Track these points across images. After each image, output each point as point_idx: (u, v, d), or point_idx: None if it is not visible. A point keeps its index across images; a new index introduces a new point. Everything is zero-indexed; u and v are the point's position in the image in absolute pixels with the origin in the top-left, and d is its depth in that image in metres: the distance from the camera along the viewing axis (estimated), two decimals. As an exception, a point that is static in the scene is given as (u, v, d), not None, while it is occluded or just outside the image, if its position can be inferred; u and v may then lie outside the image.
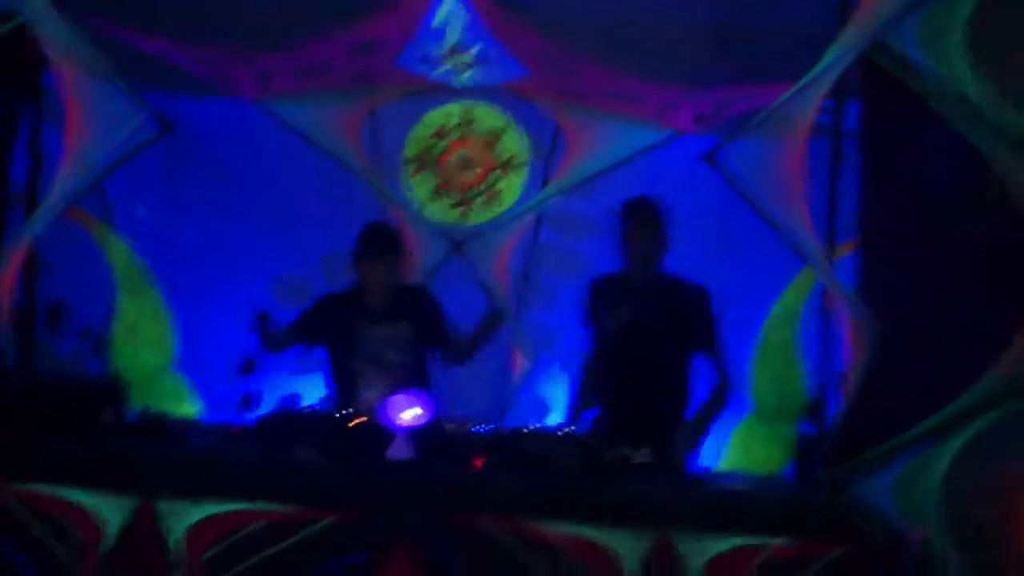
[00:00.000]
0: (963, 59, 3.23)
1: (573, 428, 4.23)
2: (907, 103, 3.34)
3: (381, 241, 4.65)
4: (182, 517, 3.20)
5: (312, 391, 5.70)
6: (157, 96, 5.10)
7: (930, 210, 3.37)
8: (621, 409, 4.37)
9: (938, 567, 3.18)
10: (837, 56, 3.30)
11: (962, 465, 3.16)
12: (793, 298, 5.35)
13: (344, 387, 4.56)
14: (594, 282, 4.63)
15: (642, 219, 4.43)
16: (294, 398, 5.74)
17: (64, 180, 3.57)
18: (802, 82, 3.36)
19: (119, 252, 5.45)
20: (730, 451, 5.47)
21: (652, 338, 4.33)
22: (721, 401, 4.36)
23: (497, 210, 5.79)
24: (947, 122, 3.24)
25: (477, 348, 4.78)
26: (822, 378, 3.58)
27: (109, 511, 3.22)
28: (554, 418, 5.67)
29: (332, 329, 4.63)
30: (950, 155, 3.32)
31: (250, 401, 5.77)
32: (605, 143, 5.48)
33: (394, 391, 4.34)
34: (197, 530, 3.20)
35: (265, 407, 5.55)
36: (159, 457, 3.43)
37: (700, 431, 4.30)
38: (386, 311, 4.59)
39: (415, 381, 4.52)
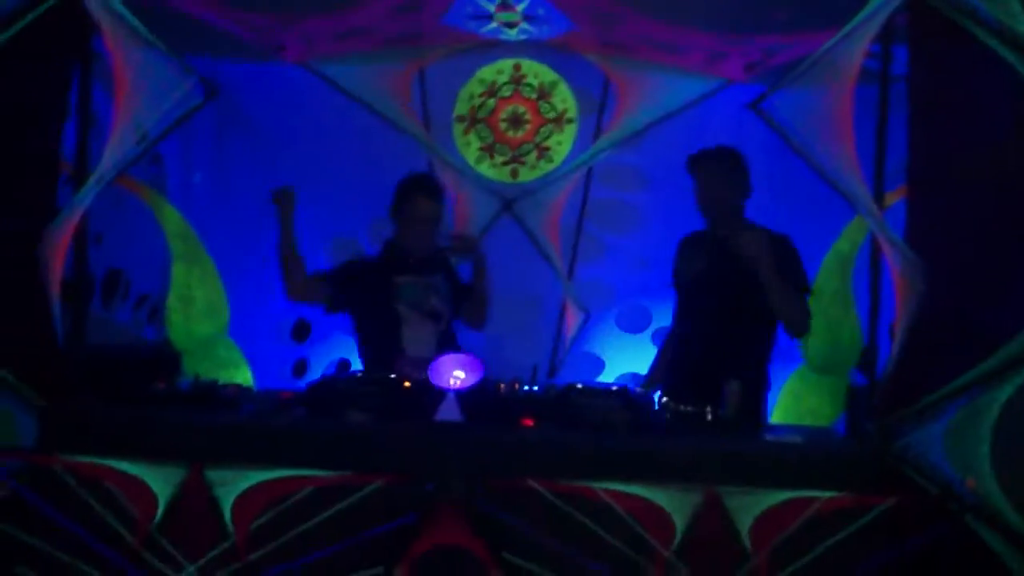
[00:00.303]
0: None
1: (621, 383, 4.26)
2: (956, 46, 3.25)
3: (435, 186, 4.65)
4: (231, 486, 3.24)
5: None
6: (202, 61, 5.21)
7: (981, 155, 3.29)
8: (690, 362, 4.36)
9: (990, 515, 3.14)
10: (884, -1, 3.22)
11: (1012, 413, 3.11)
12: (845, 246, 5.26)
13: (385, 342, 4.47)
14: (680, 241, 4.57)
15: (707, 171, 4.34)
16: (345, 362, 5.86)
17: (114, 148, 3.61)
18: (848, 27, 3.29)
19: (172, 219, 5.50)
20: (782, 403, 5.42)
21: (728, 289, 4.23)
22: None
23: (548, 167, 5.76)
24: (998, 64, 3.15)
25: (485, 304, 4.71)
26: (872, 328, 3.52)
27: (159, 482, 3.26)
28: (608, 374, 5.70)
29: (364, 289, 4.55)
30: (1001, 98, 3.23)
31: (304, 367, 5.87)
32: (655, 95, 5.45)
33: (440, 340, 4.46)
34: (246, 498, 3.24)
35: (318, 372, 5.67)
36: (207, 426, 3.46)
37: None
38: (423, 264, 4.55)
39: (453, 335, 4.60)
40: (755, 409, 4.28)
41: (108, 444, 3.37)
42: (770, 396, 5.31)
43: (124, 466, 3.28)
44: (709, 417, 3.66)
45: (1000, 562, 3.16)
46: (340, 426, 3.49)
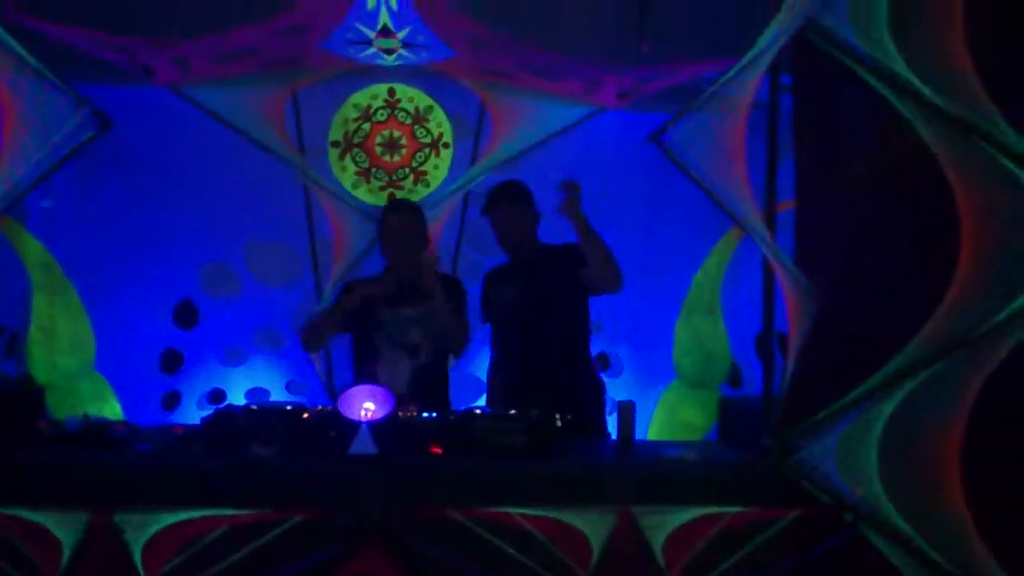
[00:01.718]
0: (887, 37, 3.37)
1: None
2: (836, 77, 3.47)
3: (393, 206, 4.68)
4: (141, 530, 3.12)
5: (239, 384, 5.70)
6: (71, 85, 5.01)
7: (863, 175, 3.52)
8: (520, 383, 4.51)
9: (880, 523, 3.34)
10: (774, 35, 3.39)
11: (897, 424, 3.32)
12: (714, 264, 5.49)
13: (365, 371, 4.43)
14: (485, 275, 4.81)
15: (499, 215, 4.61)
16: (220, 393, 5.73)
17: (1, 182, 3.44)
18: (744, 60, 3.44)
19: (32, 249, 5.25)
20: (658, 418, 5.62)
21: (533, 307, 4.51)
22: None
23: (425, 191, 5.79)
24: (875, 94, 3.37)
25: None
26: (768, 345, 3.70)
27: (62, 529, 3.12)
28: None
29: (357, 312, 4.47)
30: (877, 123, 3.46)
31: (176, 399, 5.70)
32: (531, 121, 5.55)
33: (416, 374, 4.41)
34: (157, 541, 3.13)
35: (190, 405, 5.52)
36: (109, 467, 3.33)
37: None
38: (412, 292, 4.47)
39: (437, 365, 4.57)
40: (601, 413, 4.65)
41: (3, 491, 3.20)
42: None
43: (24, 513, 3.12)
44: (559, 424, 3.76)
45: (893, 567, 3.36)
46: (252, 462, 3.41)
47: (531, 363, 4.52)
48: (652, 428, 5.65)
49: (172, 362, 5.79)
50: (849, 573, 3.42)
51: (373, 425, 3.43)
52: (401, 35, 4.86)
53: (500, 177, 5.64)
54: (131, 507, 3.15)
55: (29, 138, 3.39)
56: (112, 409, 5.49)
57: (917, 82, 3.34)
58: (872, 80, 3.39)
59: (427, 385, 4.46)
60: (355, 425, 3.42)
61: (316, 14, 4.59)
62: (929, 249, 3.43)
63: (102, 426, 3.77)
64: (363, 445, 3.35)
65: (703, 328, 5.69)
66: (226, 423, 3.68)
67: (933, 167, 3.37)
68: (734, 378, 5.70)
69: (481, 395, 5.73)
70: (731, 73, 3.38)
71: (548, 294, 4.51)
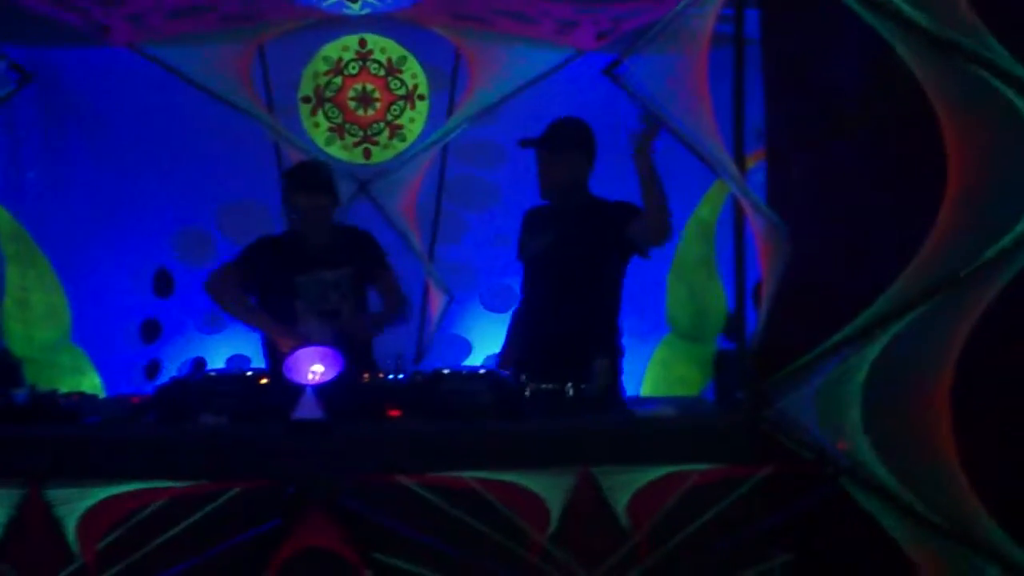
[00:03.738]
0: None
1: (489, 366, 4.14)
2: (807, 4, 3.23)
3: (312, 178, 4.36)
4: (74, 504, 2.97)
5: (220, 351, 5.55)
6: (24, 50, 4.85)
7: (838, 111, 3.28)
8: (539, 336, 4.23)
9: (863, 477, 3.14)
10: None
11: (881, 371, 3.11)
12: (706, 213, 5.26)
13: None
14: (526, 214, 4.44)
15: (543, 156, 4.22)
16: (201, 361, 5.58)
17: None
18: (697, -11, 3.22)
19: (2, 221, 5.13)
20: (651, 373, 5.41)
21: (566, 259, 4.17)
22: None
23: (401, 145, 5.59)
24: (851, 23, 3.11)
25: (379, 328, 4.49)
26: (739, 294, 3.48)
27: (-8, 504, 2.98)
28: (475, 356, 5.57)
29: (268, 275, 4.33)
30: (853, 51, 3.22)
31: (157, 368, 5.57)
32: (508, 68, 5.30)
33: (338, 338, 4.11)
34: (92, 516, 2.97)
35: (171, 373, 5.37)
36: (43, 440, 3.18)
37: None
38: (327, 255, 4.33)
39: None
40: (615, 381, 4.19)
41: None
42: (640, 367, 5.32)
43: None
44: (570, 393, 3.56)
45: (876, 522, 3.16)
46: (190, 431, 3.26)
47: (552, 320, 4.19)
48: (646, 384, 5.45)
49: (151, 331, 5.65)
50: (831, 531, 3.23)
51: (319, 389, 3.25)
52: (363, -21, 4.65)
53: (476, 129, 5.47)
54: (63, 481, 2.99)
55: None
56: (91, 381, 5.38)
57: (896, -1, 3.08)
58: (856, 7, 3.13)
59: (353, 351, 4.22)
60: (300, 389, 3.24)
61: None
62: (912, 186, 3.20)
63: (50, 397, 3.63)
64: (308, 410, 3.17)
65: (697, 279, 5.48)
66: (179, 392, 3.54)
67: (915, 96, 3.12)
68: (731, 330, 5.47)
69: (467, 355, 5.60)
70: (685, 3, 3.15)
71: (584, 249, 4.13)
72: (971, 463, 3.14)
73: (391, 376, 3.70)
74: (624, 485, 3.08)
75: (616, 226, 4.09)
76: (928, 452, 3.18)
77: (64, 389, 4.12)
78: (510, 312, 5.61)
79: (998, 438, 3.16)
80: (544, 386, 3.56)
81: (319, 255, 4.33)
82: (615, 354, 4.27)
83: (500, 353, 4.58)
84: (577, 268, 4.15)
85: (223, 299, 4.38)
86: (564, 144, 4.19)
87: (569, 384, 3.57)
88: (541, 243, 4.27)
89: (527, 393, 3.56)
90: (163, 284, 5.59)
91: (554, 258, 4.22)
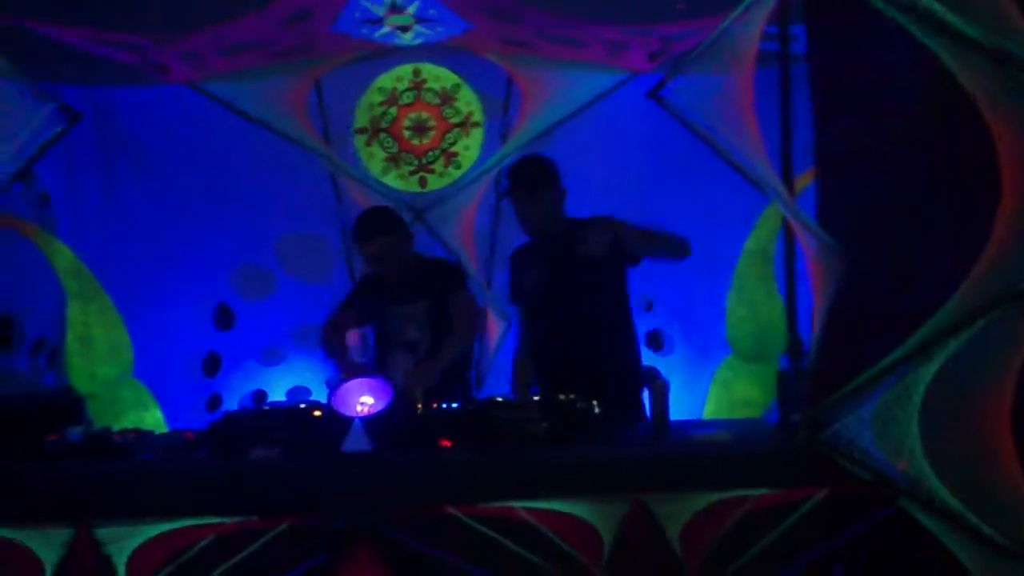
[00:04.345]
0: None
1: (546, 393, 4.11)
2: (854, 20, 3.17)
3: (366, 224, 4.46)
4: (124, 542, 3.00)
5: (280, 383, 5.61)
6: (86, 90, 4.98)
7: (888, 130, 3.21)
8: (557, 371, 4.23)
9: (924, 497, 3.04)
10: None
11: (939, 389, 3.02)
12: (764, 232, 5.19)
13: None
14: (513, 255, 4.52)
15: (519, 199, 4.28)
16: (262, 393, 5.64)
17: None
18: (741, 7, 3.17)
19: (63, 257, 5.27)
20: (713, 395, 5.33)
21: (565, 289, 4.21)
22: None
23: (457, 173, 5.62)
24: (899, 36, 3.05)
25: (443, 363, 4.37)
26: (791, 315, 3.42)
27: (43, 546, 3.01)
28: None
29: (369, 312, 4.49)
30: (904, 71, 3.15)
31: (218, 401, 5.64)
32: (560, 92, 5.29)
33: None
34: (142, 554, 3.00)
35: (232, 406, 5.44)
36: (93, 479, 3.21)
37: None
38: (405, 289, 4.42)
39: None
40: (638, 399, 4.20)
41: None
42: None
43: (3, 533, 3.02)
44: (596, 411, 3.55)
45: (938, 542, 3.06)
46: (238, 467, 3.27)
47: (564, 348, 4.22)
48: (708, 406, 5.38)
49: (212, 365, 5.74)
50: (892, 554, 3.12)
51: (367, 420, 3.25)
52: (411, 9, 4.66)
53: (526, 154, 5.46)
54: (112, 520, 3.02)
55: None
56: (153, 416, 5.47)
57: (942, 9, 3.00)
58: (891, 13, 3.05)
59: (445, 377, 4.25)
60: (349, 421, 3.24)
61: (316, -4, 4.43)
62: (966, 201, 3.11)
63: (104, 435, 3.67)
64: (356, 442, 3.18)
65: (758, 299, 5.41)
66: (231, 426, 3.57)
67: (967, 109, 3.03)
68: (794, 350, 5.38)
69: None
70: (729, 20, 3.11)
71: (578, 274, 4.15)
72: (1037, 483, 3.03)
73: (444, 405, 3.69)
74: (677, 513, 3.03)
75: (604, 235, 4.05)
76: (992, 472, 3.07)
77: (127, 424, 4.21)
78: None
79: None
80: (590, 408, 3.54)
81: (401, 289, 4.43)
82: (639, 372, 4.33)
83: (512, 379, 4.55)
84: (576, 293, 4.18)
85: (328, 345, 4.51)
86: (538, 182, 4.26)
87: (595, 402, 3.57)
88: (539, 278, 4.30)
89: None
90: (223, 318, 5.67)
91: (551, 289, 4.25)
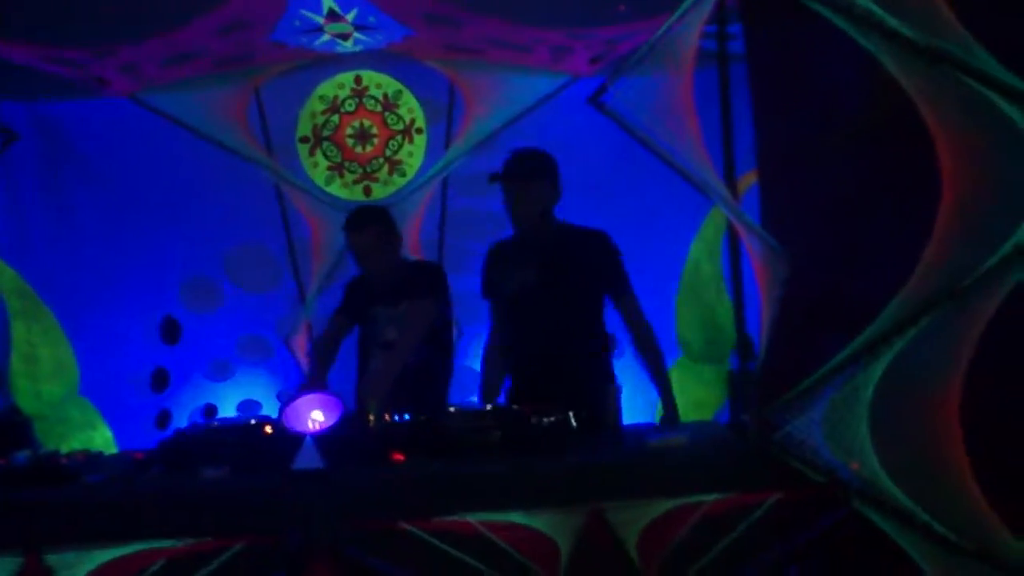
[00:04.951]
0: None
1: (496, 402, 4.09)
2: (789, 18, 3.17)
3: (360, 215, 4.52)
4: (75, 569, 2.91)
5: (230, 398, 5.54)
6: (26, 105, 4.89)
7: (827, 126, 3.22)
8: (533, 374, 4.18)
9: (876, 497, 3.06)
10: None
11: (887, 389, 3.04)
12: (710, 232, 5.21)
13: (359, 370, 4.46)
14: (489, 250, 4.42)
15: (508, 187, 4.18)
16: (212, 408, 5.57)
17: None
18: (679, 11, 3.17)
19: (6, 277, 5.16)
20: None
21: (550, 292, 4.12)
22: (649, 348, 4.19)
23: (402, 180, 5.59)
24: (833, 32, 3.07)
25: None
26: (738, 317, 3.43)
27: (-9, 575, 2.93)
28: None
29: (353, 311, 4.55)
30: (840, 66, 3.16)
31: (167, 417, 5.56)
32: (503, 97, 5.32)
33: (401, 374, 4.19)
34: (93, 582, 2.93)
35: (182, 422, 5.37)
36: (43, 505, 3.12)
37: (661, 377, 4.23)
38: (387, 290, 4.41)
39: (423, 364, 4.37)
40: (615, 406, 4.21)
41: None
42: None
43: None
44: (574, 424, 3.49)
45: (892, 542, 3.08)
46: (189, 487, 3.21)
47: (540, 348, 4.15)
48: (660, 409, 5.38)
49: (160, 381, 5.65)
50: (846, 555, 3.14)
51: (319, 437, 3.21)
52: (350, 17, 4.64)
53: (475, 159, 5.45)
54: (63, 546, 2.95)
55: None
56: (102, 435, 5.38)
57: (879, 11, 3.03)
58: (828, 13, 3.08)
59: (412, 383, 4.24)
60: (300, 438, 3.20)
61: (254, 6, 4.37)
62: (907, 199, 3.12)
63: (52, 459, 3.59)
64: (308, 459, 3.13)
65: (707, 300, 5.42)
66: (181, 445, 3.51)
67: (905, 108, 3.06)
68: (743, 351, 5.40)
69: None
70: (669, 23, 3.10)
71: (559, 281, 4.11)
72: (987, 478, 3.06)
73: (395, 417, 3.65)
74: (635, 520, 3.01)
75: (592, 258, 4.12)
76: (942, 469, 3.09)
77: (75, 444, 4.14)
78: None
79: (1012, 451, 3.08)
80: (547, 419, 3.50)
81: (383, 291, 4.43)
82: (612, 379, 4.25)
83: (480, 393, 4.48)
84: (560, 300, 4.12)
85: (312, 347, 4.66)
86: (531, 174, 4.16)
87: (571, 413, 3.49)
88: (518, 278, 4.21)
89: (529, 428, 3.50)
90: (170, 332, 5.58)
91: (536, 292, 4.16)
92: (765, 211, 3.29)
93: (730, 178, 3.36)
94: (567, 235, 4.18)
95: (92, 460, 3.73)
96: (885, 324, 3.05)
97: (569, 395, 3.64)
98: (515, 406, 3.77)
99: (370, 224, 4.43)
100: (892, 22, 3.00)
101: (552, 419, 3.50)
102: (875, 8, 3.02)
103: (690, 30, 3.20)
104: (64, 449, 3.94)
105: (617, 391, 3.65)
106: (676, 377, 5.39)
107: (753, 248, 3.22)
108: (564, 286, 4.10)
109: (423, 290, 4.39)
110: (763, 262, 3.18)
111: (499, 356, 4.37)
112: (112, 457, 3.88)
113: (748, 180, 3.57)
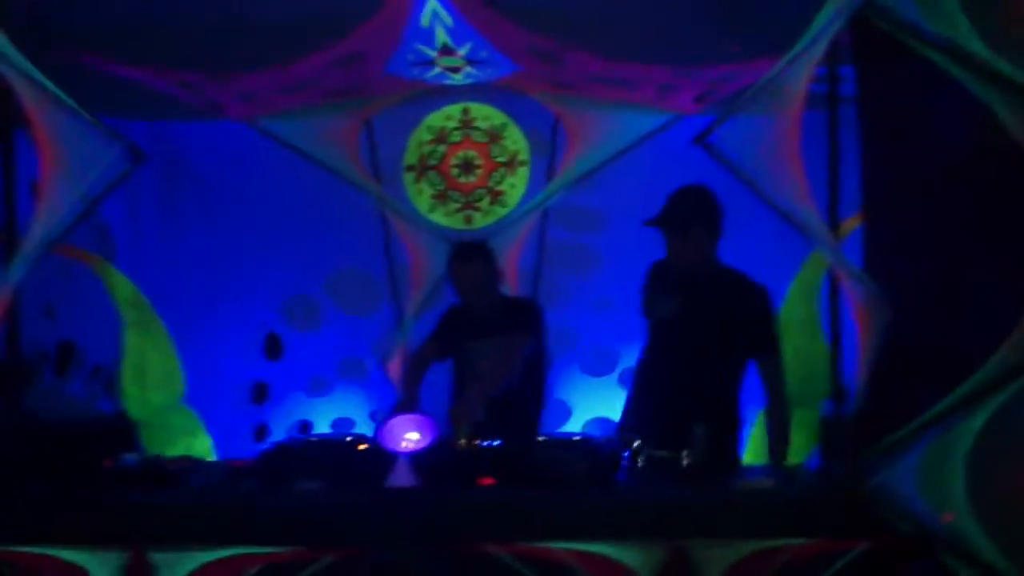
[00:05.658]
0: (959, 10, 3.05)
1: (586, 433, 4.12)
2: (903, 63, 3.17)
3: (466, 248, 4.64)
4: (176, 568, 3.05)
5: (325, 414, 5.67)
6: (145, 124, 5.10)
7: (936, 174, 3.20)
8: (665, 406, 4.08)
9: (967, 552, 3.01)
10: (827, 20, 3.12)
11: (987, 442, 2.99)
12: (810, 275, 5.16)
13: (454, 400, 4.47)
14: (652, 267, 4.27)
15: (670, 233, 4.09)
16: (306, 424, 5.70)
17: (40, 221, 3.46)
18: (793, 52, 3.19)
19: (121, 286, 5.39)
20: (754, 441, 5.27)
21: (697, 331, 4.02)
22: (781, 410, 4.15)
23: (502, 211, 5.66)
24: (947, 79, 3.06)
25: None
26: (833, 362, 3.40)
27: (100, 568, 3.07)
28: (575, 421, 5.56)
29: (446, 341, 4.62)
30: (952, 113, 3.15)
31: (264, 431, 5.71)
32: (606, 132, 5.35)
33: (491, 405, 4.18)
34: (193, 581, 3.06)
35: (278, 435, 5.50)
36: (149, 505, 3.28)
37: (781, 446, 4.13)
38: (488, 324, 4.49)
39: (516, 396, 4.40)
40: (730, 451, 4.14)
41: (46, 531, 3.18)
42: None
43: (63, 554, 3.09)
44: (685, 462, 3.49)
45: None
46: (286, 498, 3.32)
47: (675, 387, 4.04)
48: (748, 452, 5.33)
49: (260, 394, 5.81)
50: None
51: (413, 456, 3.28)
52: (463, 51, 4.73)
53: (575, 193, 5.51)
54: (167, 545, 3.08)
55: (65, 176, 3.39)
56: (202, 443, 5.54)
57: (996, 60, 3.01)
58: (944, 62, 3.07)
59: (503, 412, 4.28)
60: (396, 457, 3.28)
61: (371, 40, 4.49)
62: (1016, 250, 3.08)
63: (158, 462, 3.75)
64: (401, 477, 3.21)
65: (801, 343, 5.34)
66: (279, 458, 3.62)
67: (1017, 157, 3.03)
68: (837, 396, 5.32)
69: (566, 420, 5.58)
70: (780, 65, 3.12)
71: (714, 322, 3.99)
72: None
73: (485, 443, 3.70)
74: (716, 559, 3.02)
75: (745, 313, 4.02)
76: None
77: (176, 450, 4.27)
78: (611, 375, 5.61)
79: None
80: (658, 453, 3.52)
81: (481, 324, 4.50)
82: (728, 423, 4.16)
83: (623, 411, 4.44)
84: (705, 339, 4.01)
85: (406, 370, 4.66)
86: (689, 223, 4.07)
87: (685, 452, 3.50)
88: (670, 305, 4.13)
89: (640, 461, 3.54)
90: (272, 348, 5.75)
91: (683, 324, 4.08)
92: (869, 255, 3.28)
93: (834, 221, 3.34)
94: (726, 279, 4.09)
95: (194, 466, 3.86)
96: (988, 376, 3.01)
97: (684, 429, 3.57)
98: (603, 438, 3.80)
99: (476, 258, 4.54)
100: (1008, 70, 2.99)
101: (660, 454, 3.53)
102: (985, 53, 3.01)
103: (801, 71, 3.21)
104: (167, 455, 4.05)
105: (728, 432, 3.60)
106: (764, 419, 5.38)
107: (855, 293, 3.20)
108: (710, 326, 3.99)
109: (520, 327, 4.46)
110: (865, 308, 3.16)
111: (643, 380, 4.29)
112: (212, 464, 4.01)
113: (851, 224, 3.55)
